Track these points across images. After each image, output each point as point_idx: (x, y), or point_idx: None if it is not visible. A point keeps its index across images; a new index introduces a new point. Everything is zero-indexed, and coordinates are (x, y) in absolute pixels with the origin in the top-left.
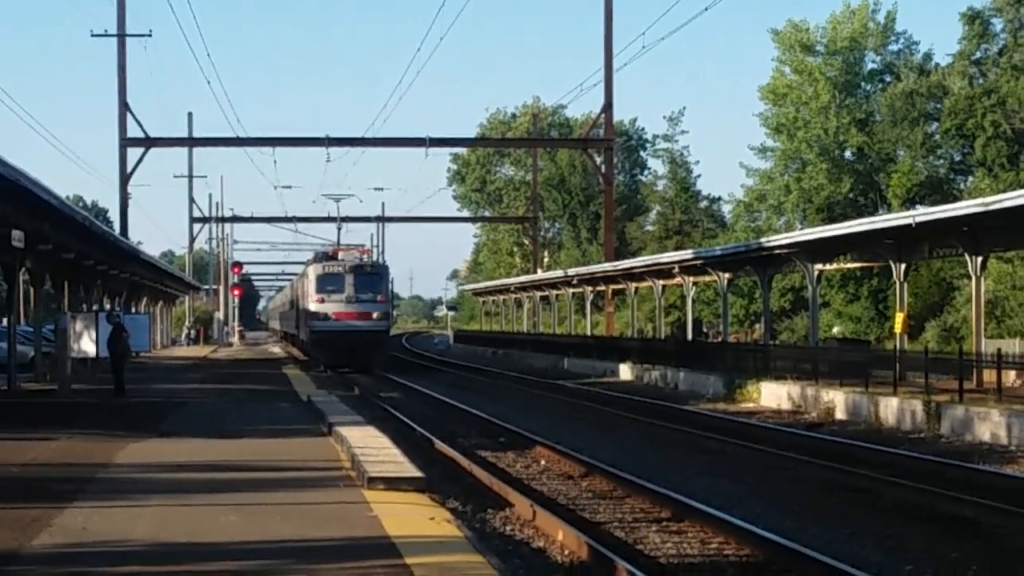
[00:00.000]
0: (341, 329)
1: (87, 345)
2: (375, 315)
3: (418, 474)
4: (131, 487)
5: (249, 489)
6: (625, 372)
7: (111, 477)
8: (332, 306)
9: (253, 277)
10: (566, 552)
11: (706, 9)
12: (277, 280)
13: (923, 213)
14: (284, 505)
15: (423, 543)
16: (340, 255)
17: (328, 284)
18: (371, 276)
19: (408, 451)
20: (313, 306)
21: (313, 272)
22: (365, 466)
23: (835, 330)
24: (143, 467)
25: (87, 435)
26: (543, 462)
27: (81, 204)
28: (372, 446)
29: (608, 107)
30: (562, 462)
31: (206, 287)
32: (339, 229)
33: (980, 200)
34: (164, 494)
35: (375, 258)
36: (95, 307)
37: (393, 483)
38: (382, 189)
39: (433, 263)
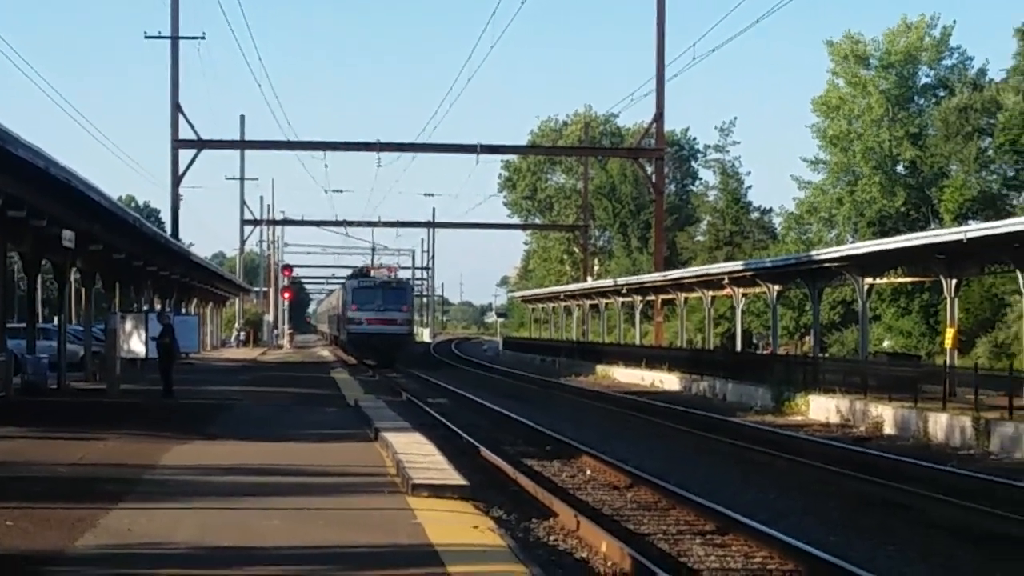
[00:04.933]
0: (372, 332)
1: (136, 345)
2: (399, 321)
3: (463, 482)
4: (177, 489)
5: (293, 493)
6: (673, 382)
7: (157, 479)
8: (365, 313)
9: (304, 280)
10: (609, 564)
11: (757, 21)
12: (328, 283)
13: (974, 229)
14: (328, 510)
15: (466, 551)
16: (372, 273)
17: (363, 296)
18: (397, 290)
19: (454, 458)
20: (350, 313)
21: (351, 286)
22: (410, 472)
23: (885, 344)
24: (189, 469)
25: (135, 436)
26: (589, 472)
27: (133, 205)
28: (417, 452)
29: (659, 117)
30: (608, 472)
31: (256, 289)
32: (373, 251)
33: None
34: (209, 496)
35: (426, 263)
36: (145, 307)
37: (437, 490)
38: (432, 195)
39: (483, 269)
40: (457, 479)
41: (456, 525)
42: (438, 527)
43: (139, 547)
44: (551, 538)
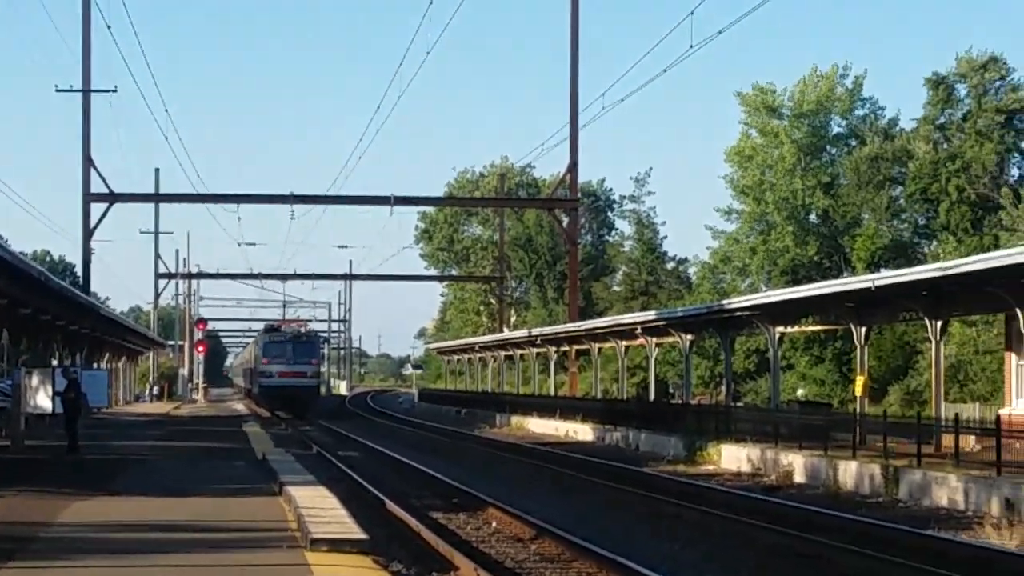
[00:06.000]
0: (283, 384)
1: (43, 400)
2: (309, 373)
3: (362, 536)
4: (71, 547)
5: (190, 549)
6: (587, 432)
7: (53, 536)
8: (277, 366)
9: (221, 334)
10: None
11: (665, 70)
12: (245, 336)
13: (882, 277)
14: (223, 567)
15: None
16: (283, 328)
17: (274, 350)
18: (307, 344)
19: (358, 512)
20: (262, 366)
21: (262, 340)
22: (310, 527)
23: (799, 392)
24: (86, 527)
25: (34, 492)
26: (494, 524)
27: (47, 260)
28: (320, 506)
29: (573, 167)
30: (513, 524)
31: (171, 343)
32: (284, 305)
33: (938, 264)
34: (103, 554)
35: (343, 316)
36: (54, 362)
37: (336, 544)
38: (346, 247)
39: (402, 321)
40: (357, 533)
41: None
42: None
43: None
44: None
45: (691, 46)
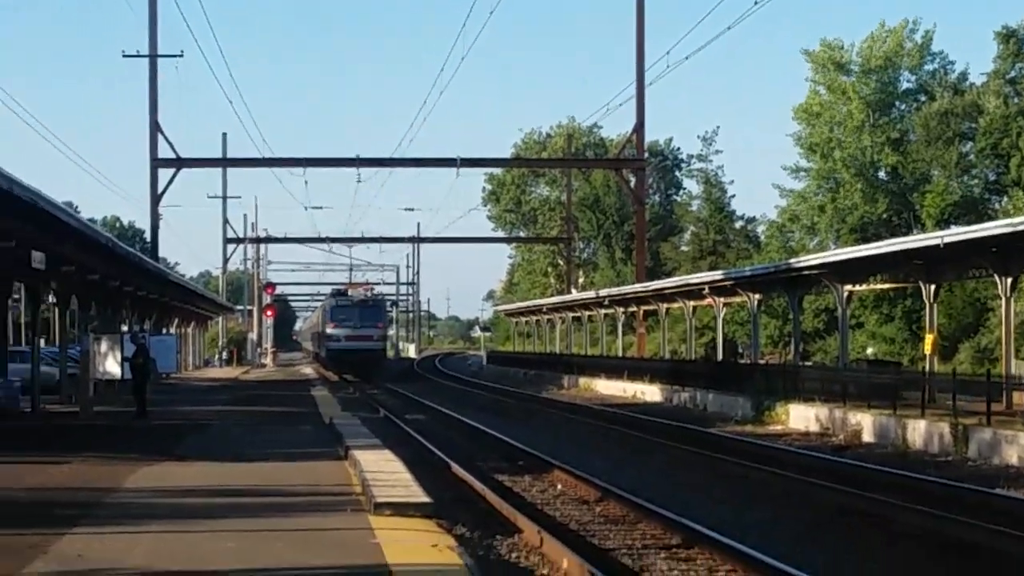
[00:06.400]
0: (349, 348)
1: (111, 367)
2: (375, 337)
3: (426, 499)
4: (136, 512)
5: (253, 514)
6: (654, 393)
7: (118, 502)
8: (343, 330)
9: (290, 298)
10: None
11: (728, 28)
12: (313, 300)
13: (951, 234)
14: (286, 531)
15: (421, 571)
16: (350, 292)
17: (340, 314)
18: (373, 308)
19: (423, 475)
20: (329, 330)
21: (329, 304)
22: (374, 491)
23: (869, 351)
24: (151, 491)
25: (102, 458)
26: (559, 486)
27: (117, 225)
28: (385, 470)
29: (640, 127)
30: (578, 486)
31: (240, 308)
32: (351, 269)
33: (1008, 221)
34: (167, 519)
35: (411, 279)
36: (123, 328)
37: (400, 508)
38: (413, 210)
39: (470, 283)
40: (421, 497)
41: (416, 544)
42: (397, 547)
43: (88, 574)
44: (513, 555)
45: (756, 2)
